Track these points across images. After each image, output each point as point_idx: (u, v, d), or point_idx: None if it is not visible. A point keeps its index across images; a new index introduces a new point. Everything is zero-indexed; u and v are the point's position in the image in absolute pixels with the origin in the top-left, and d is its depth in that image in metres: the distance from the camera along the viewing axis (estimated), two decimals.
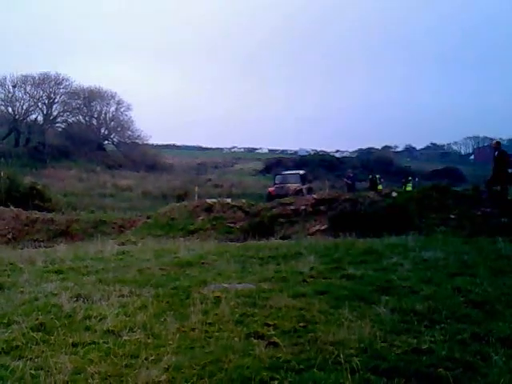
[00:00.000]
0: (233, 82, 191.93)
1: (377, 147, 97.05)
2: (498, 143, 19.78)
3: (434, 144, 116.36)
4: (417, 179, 39.15)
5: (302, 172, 38.63)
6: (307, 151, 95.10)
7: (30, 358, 5.02)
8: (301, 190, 32.72)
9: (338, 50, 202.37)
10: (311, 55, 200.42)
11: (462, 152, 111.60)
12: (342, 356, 4.66)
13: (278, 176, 37.74)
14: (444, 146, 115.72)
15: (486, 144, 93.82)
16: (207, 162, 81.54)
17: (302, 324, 5.88)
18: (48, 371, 4.61)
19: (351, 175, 34.81)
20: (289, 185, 33.58)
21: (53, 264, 10.98)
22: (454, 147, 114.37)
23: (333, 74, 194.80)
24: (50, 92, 68.63)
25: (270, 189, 34.67)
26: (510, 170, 18.57)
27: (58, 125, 72.28)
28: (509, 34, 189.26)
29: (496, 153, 18.67)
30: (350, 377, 4.28)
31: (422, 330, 5.64)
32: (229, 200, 24.83)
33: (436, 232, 15.58)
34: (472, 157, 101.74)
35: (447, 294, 7.12)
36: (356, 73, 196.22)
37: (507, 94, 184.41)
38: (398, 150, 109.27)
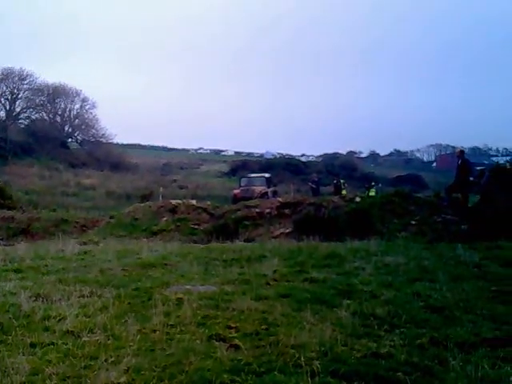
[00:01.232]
0: (200, 83, 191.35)
1: (342, 152, 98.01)
2: (462, 152, 20.17)
3: (397, 151, 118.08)
4: (380, 185, 39.65)
5: (267, 175, 38.71)
6: (273, 154, 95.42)
7: None
8: (266, 193, 32.79)
9: (305, 55, 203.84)
10: (280, 60, 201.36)
11: (425, 159, 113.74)
12: (302, 359, 4.70)
13: (243, 178, 37.77)
14: (407, 152, 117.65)
15: (448, 152, 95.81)
16: (173, 163, 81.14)
17: (264, 327, 5.90)
18: (5, 371, 4.53)
19: (316, 179, 35.02)
20: (254, 187, 33.63)
21: (12, 263, 10.79)
22: (417, 154, 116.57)
23: (300, 79, 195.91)
24: (14, 87, 67.50)
25: (236, 191, 34.65)
26: (471, 179, 18.97)
27: (20, 121, 71.02)
28: (469, 41, 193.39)
29: (459, 161, 19.05)
30: (310, 380, 4.32)
31: (381, 334, 5.72)
32: (193, 201, 24.69)
33: (398, 237, 15.78)
34: (434, 164, 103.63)
35: (407, 299, 7.24)
36: (322, 78, 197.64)
37: (470, 103, 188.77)
38: (363, 155, 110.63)
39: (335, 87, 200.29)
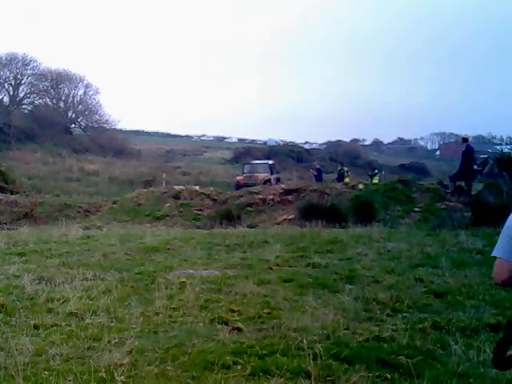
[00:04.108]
0: (204, 69, 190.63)
1: (345, 140, 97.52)
2: (466, 139, 20.10)
3: (401, 139, 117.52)
4: (383, 172, 39.43)
5: (270, 162, 38.68)
6: (276, 141, 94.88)
7: None
8: (269, 179, 32.79)
9: (310, 45, 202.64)
10: (284, 49, 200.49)
11: (429, 147, 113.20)
12: (304, 342, 4.71)
13: (246, 165, 37.72)
14: (411, 141, 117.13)
15: (451, 140, 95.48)
16: (176, 150, 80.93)
17: (266, 310, 5.93)
18: (9, 352, 4.57)
19: (318, 167, 34.92)
20: (257, 174, 33.62)
21: (16, 246, 10.84)
22: (421, 142, 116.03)
23: (304, 68, 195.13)
24: (17, 73, 67.09)
25: (239, 178, 34.61)
26: (475, 167, 18.94)
27: (24, 107, 70.66)
28: (475, 31, 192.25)
29: (464, 149, 19.02)
30: (312, 362, 4.33)
31: (384, 318, 5.74)
32: (197, 187, 24.71)
33: (400, 224, 15.78)
34: (438, 152, 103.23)
35: (409, 284, 7.25)
36: (327, 67, 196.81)
37: (475, 91, 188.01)
38: (366, 143, 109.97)
39: (340, 75, 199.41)
